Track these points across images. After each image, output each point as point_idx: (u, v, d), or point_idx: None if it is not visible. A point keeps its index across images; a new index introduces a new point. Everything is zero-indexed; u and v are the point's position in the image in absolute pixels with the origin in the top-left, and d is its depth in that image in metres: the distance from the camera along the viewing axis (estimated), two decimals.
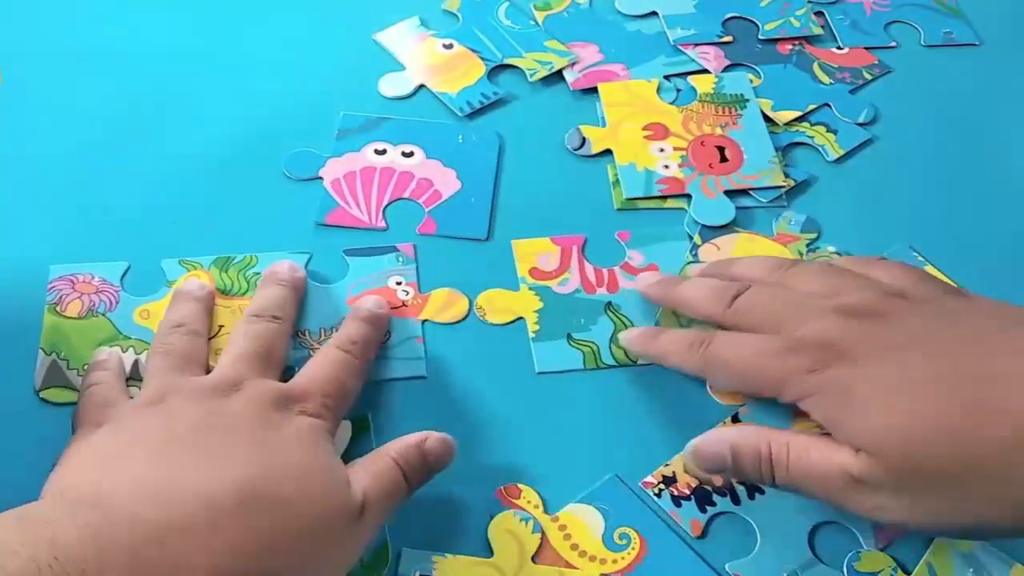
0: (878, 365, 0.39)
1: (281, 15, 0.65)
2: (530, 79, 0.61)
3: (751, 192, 0.56)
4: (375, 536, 0.40)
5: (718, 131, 0.58)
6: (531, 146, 0.58)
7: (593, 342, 0.49)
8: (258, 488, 0.36)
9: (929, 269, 0.52)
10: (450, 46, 0.63)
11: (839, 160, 0.58)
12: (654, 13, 0.66)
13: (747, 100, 0.60)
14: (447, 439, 0.42)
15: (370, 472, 0.40)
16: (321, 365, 0.44)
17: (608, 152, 0.58)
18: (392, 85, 0.61)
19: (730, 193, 0.55)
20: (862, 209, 0.56)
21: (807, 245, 0.53)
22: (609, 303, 0.51)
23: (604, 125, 0.59)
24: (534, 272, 0.52)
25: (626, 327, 0.49)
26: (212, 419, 0.39)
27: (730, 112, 0.60)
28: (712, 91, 0.61)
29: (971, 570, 0.42)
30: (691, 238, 0.53)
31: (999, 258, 0.53)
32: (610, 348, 0.49)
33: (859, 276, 0.44)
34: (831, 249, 0.53)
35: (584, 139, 0.58)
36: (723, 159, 0.57)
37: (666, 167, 0.56)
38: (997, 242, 0.54)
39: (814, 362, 0.40)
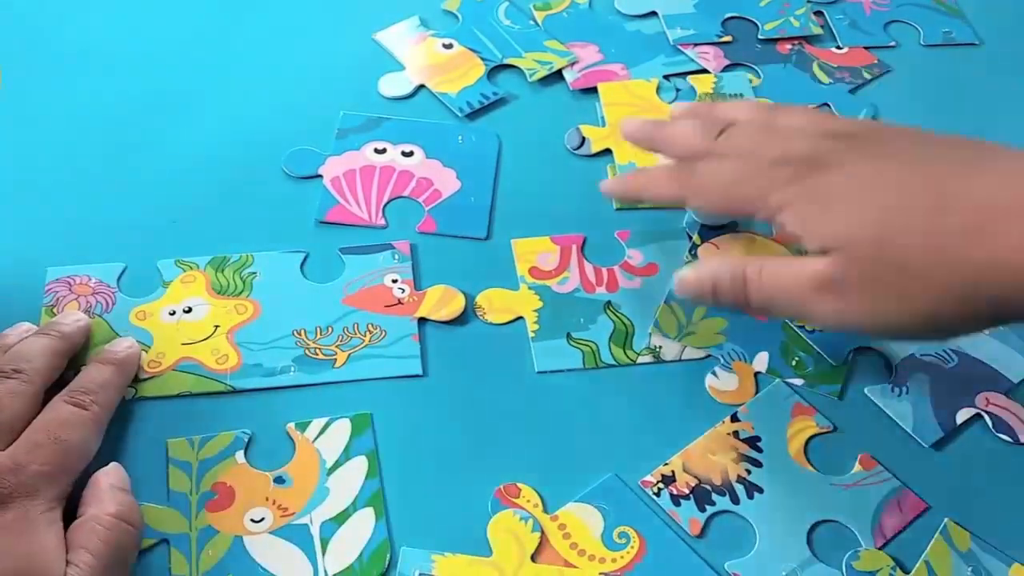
0: (854, 168, 0.40)
1: (281, 15, 0.65)
2: (530, 79, 0.61)
3: None
4: None
5: None
6: (531, 146, 0.58)
7: (593, 341, 0.49)
8: None
9: None
10: (450, 46, 0.63)
11: None
12: (653, 13, 0.66)
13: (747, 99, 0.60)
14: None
15: (91, 542, 0.38)
16: (42, 425, 0.41)
17: (608, 152, 0.58)
18: (392, 85, 0.61)
19: None
20: None
21: None
22: (608, 302, 0.50)
23: (604, 125, 0.59)
24: (534, 271, 0.52)
25: (625, 328, 0.49)
26: None
27: None
28: (712, 91, 0.61)
29: (970, 569, 0.42)
30: (690, 238, 0.53)
31: None
32: (609, 347, 0.49)
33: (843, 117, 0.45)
34: None
35: (584, 139, 0.58)
36: None
37: None
38: None
39: (794, 173, 0.41)
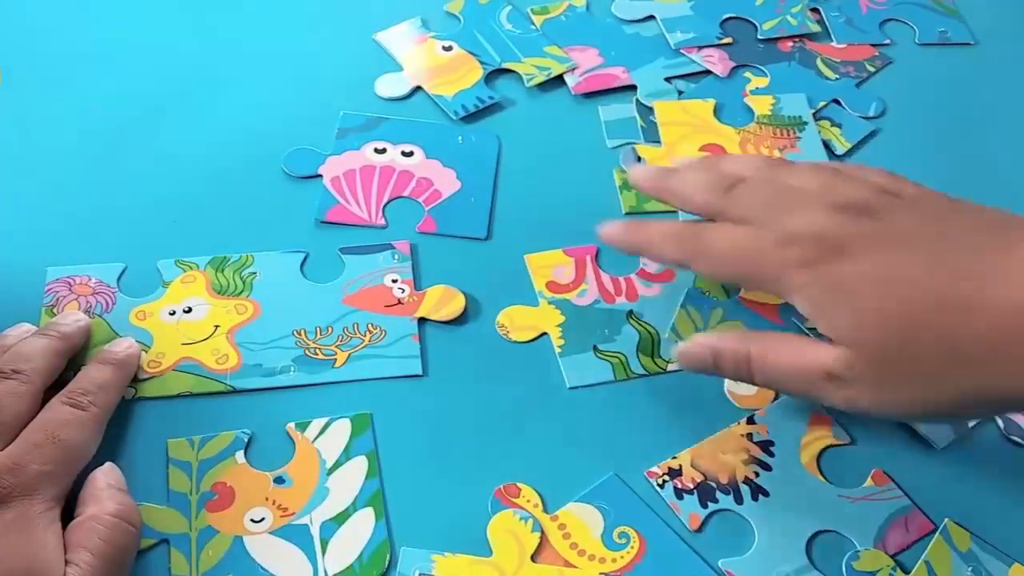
0: (868, 261, 0.39)
1: (283, 14, 0.65)
2: (527, 84, 0.61)
3: None
4: None
5: (776, 154, 0.58)
6: (529, 150, 0.58)
7: (620, 352, 0.49)
8: None
9: None
10: (449, 48, 0.63)
11: (847, 154, 0.58)
12: (651, 17, 0.66)
13: (805, 123, 0.59)
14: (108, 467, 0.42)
15: (90, 541, 0.38)
16: (40, 425, 0.41)
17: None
18: (388, 86, 0.61)
19: None
20: None
21: None
22: (631, 311, 0.50)
23: (661, 144, 0.58)
24: (551, 285, 0.51)
25: (651, 336, 0.49)
26: None
27: (788, 135, 0.59)
28: (770, 113, 0.60)
29: (969, 569, 0.42)
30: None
31: None
32: (638, 357, 0.48)
33: (852, 175, 0.44)
34: None
35: (639, 158, 0.57)
36: None
37: None
38: None
39: (807, 255, 0.40)
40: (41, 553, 0.37)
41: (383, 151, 0.57)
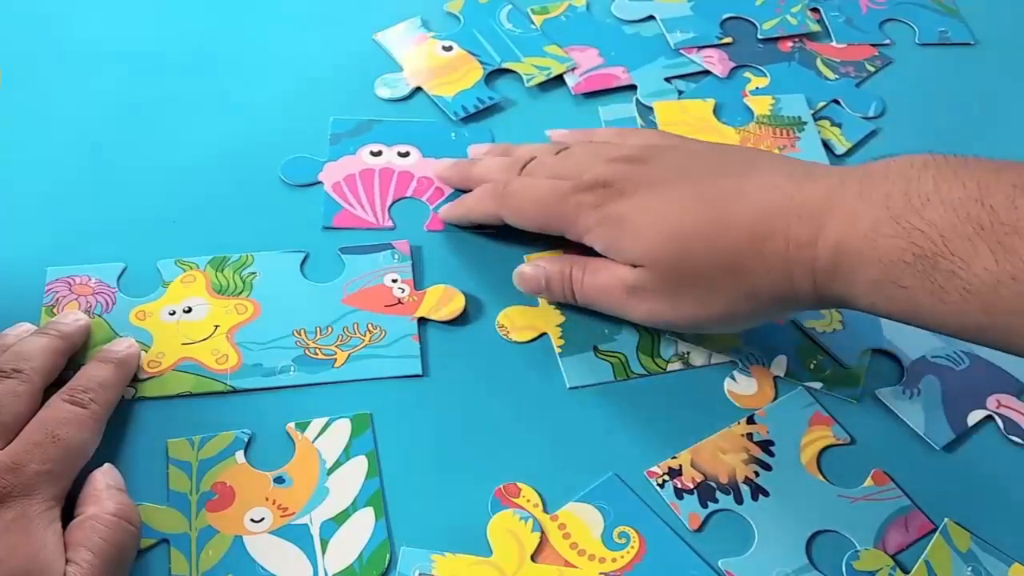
0: (645, 196, 0.46)
1: (285, 14, 0.65)
2: (527, 84, 0.61)
3: None
4: None
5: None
6: None
7: (620, 352, 0.49)
8: None
9: None
10: (449, 48, 0.63)
11: (848, 153, 0.58)
12: (651, 17, 0.66)
13: (805, 123, 0.60)
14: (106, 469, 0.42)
15: (91, 541, 0.38)
16: (40, 424, 0.41)
17: None
18: (388, 87, 0.61)
19: None
20: None
21: None
22: None
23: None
24: None
25: (651, 335, 0.49)
26: None
27: (788, 135, 0.59)
28: (769, 113, 0.60)
29: (969, 569, 0.42)
30: None
31: None
32: (638, 357, 0.49)
33: (624, 137, 0.53)
34: None
35: None
36: None
37: None
38: None
39: (596, 199, 0.46)
40: (41, 552, 0.37)
41: (379, 153, 0.57)
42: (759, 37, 0.65)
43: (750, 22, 0.66)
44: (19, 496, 0.38)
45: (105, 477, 0.41)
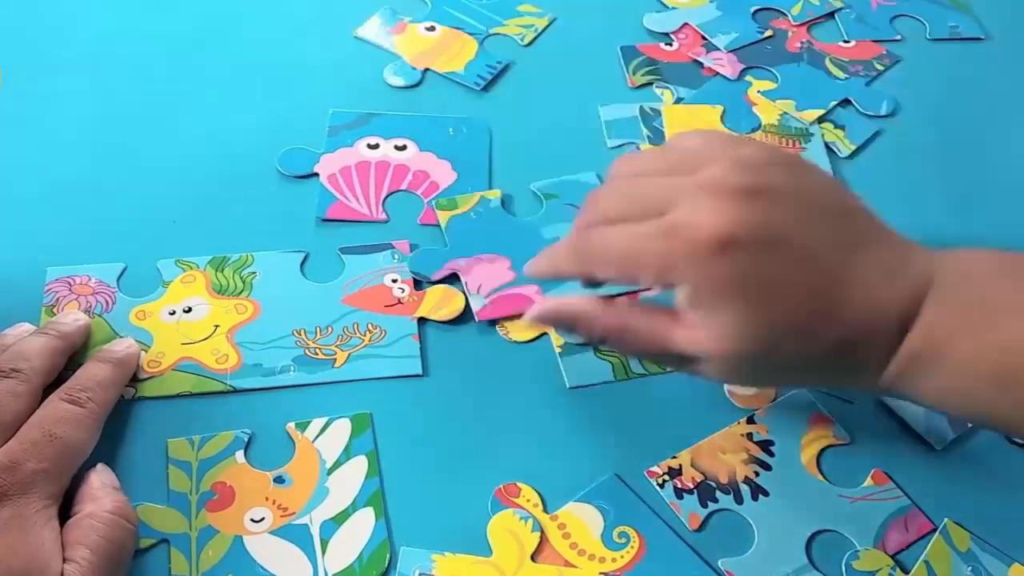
0: (747, 260, 0.38)
1: (269, 15, 0.65)
2: (522, 43, 0.64)
3: None
4: None
5: None
6: (531, 147, 0.58)
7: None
8: None
9: None
10: (432, 28, 0.64)
11: (852, 155, 0.59)
12: (686, 24, 0.66)
13: (811, 134, 0.59)
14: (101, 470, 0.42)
15: (88, 539, 0.38)
16: (38, 423, 0.41)
17: None
18: (399, 75, 0.61)
19: None
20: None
21: None
22: None
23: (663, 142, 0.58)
24: None
25: None
26: None
27: (794, 145, 0.59)
28: (777, 122, 0.60)
29: (969, 569, 0.42)
30: None
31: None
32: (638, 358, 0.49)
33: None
34: None
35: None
36: None
37: None
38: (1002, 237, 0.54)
39: (687, 247, 0.38)
40: (39, 551, 0.37)
41: (376, 146, 0.57)
42: (792, 24, 0.67)
43: (779, 11, 0.67)
44: (16, 495, 0.38)
45: (100, 476, 0.42)
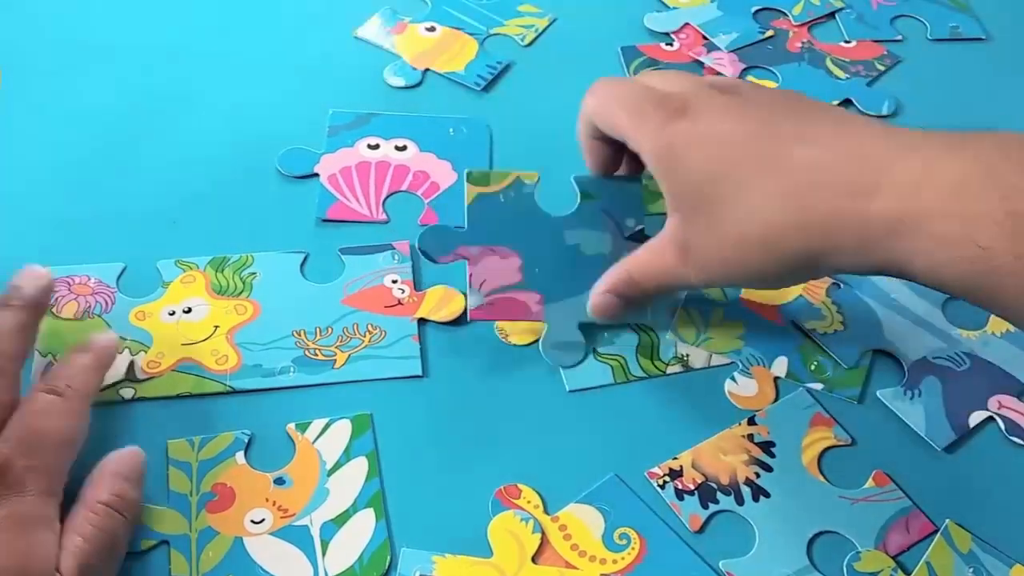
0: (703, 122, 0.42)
1: (269, 15, 0.65)
2: (522, 44, 0.63)
3: None
4: None
5: None
6: (530, 148, 0.57)
7: (620, 355, 0.49)
8: None
9: None
10: (433, 29, 0.64)
11: None
12: (687, 24, 0.66)
13: None
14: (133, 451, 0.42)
15: (83, 532, 0.38)
16: (20, 419, 0.40)
17: None
18: (399, 76, 0.61)
19: None
20: None
21: None
22: None
23: None
24: None
25: (651, 338, 0.49)
26: None
27: None
28: None
29: (971, 570, 0.42)
30: None
31: None
32: (637, 360, 0.48)
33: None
34: None
35: None
36: None
37: None
38: None
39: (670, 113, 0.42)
40: (34, 550, 0.37)
41: (376, 147, 0.57)
42: (794, 24, 0.67)
43: (779, 11, 0.67)
44: (9, 495, 0.38)
45: (113, 463, 0.41)
